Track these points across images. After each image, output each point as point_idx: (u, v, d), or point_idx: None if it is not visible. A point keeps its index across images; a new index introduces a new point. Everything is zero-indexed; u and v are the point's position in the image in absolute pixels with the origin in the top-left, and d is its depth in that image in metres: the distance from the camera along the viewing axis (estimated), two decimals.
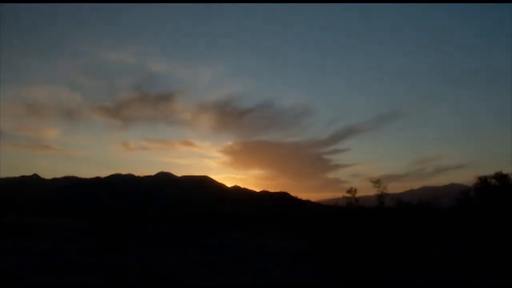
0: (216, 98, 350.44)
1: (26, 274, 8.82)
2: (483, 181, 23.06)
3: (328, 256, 12.78)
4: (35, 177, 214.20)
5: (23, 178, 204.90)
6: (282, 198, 47.92)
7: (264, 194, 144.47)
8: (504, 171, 22.93)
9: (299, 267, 11.29)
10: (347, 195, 14.18)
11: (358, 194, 13.96)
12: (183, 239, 20.09)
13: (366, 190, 14.38)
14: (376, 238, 11.59)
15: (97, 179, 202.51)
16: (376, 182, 13.71)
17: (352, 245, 12.10)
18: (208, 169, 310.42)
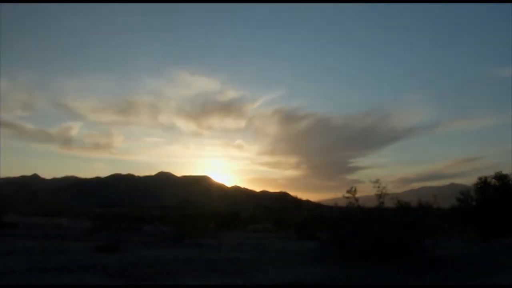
0: (275, 111, 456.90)
1: (26, 274, 8.81)
2: (483, 181, 23.05)
3: (329, 256, 12.79)
4: (35, 176, 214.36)
5: (22, 177, 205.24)
6: (282, 198, 47.87)
7: (264, 194, 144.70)
8: (504, 171, 22.89)
9: (299, 267, 11.30)
10: (347, 195, 14.09)
11: (360, 194, 13.87)
12: (182, 239, 20.10)
13: (368, 190, 14.33)
14: (376, 238, 11.60)
15: (97, 179, 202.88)
16: (376, 182, 13.64)
17: (352, 245, 12.11)
18: (241, 170, 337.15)
